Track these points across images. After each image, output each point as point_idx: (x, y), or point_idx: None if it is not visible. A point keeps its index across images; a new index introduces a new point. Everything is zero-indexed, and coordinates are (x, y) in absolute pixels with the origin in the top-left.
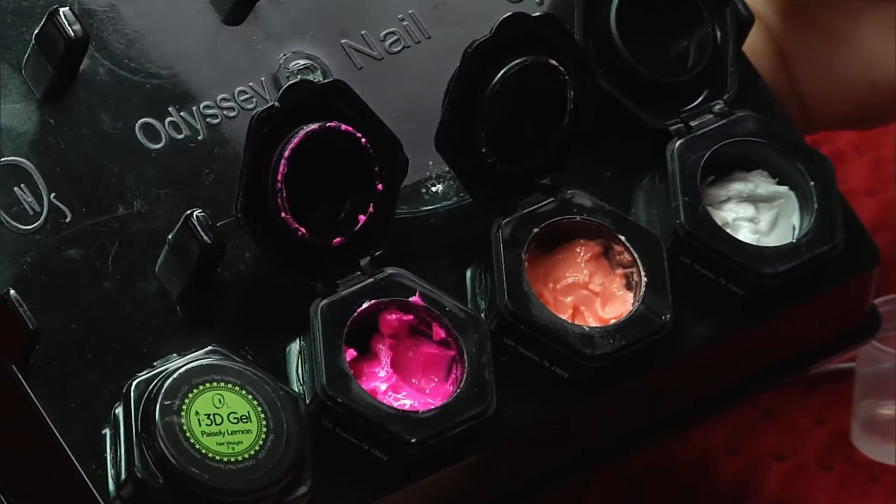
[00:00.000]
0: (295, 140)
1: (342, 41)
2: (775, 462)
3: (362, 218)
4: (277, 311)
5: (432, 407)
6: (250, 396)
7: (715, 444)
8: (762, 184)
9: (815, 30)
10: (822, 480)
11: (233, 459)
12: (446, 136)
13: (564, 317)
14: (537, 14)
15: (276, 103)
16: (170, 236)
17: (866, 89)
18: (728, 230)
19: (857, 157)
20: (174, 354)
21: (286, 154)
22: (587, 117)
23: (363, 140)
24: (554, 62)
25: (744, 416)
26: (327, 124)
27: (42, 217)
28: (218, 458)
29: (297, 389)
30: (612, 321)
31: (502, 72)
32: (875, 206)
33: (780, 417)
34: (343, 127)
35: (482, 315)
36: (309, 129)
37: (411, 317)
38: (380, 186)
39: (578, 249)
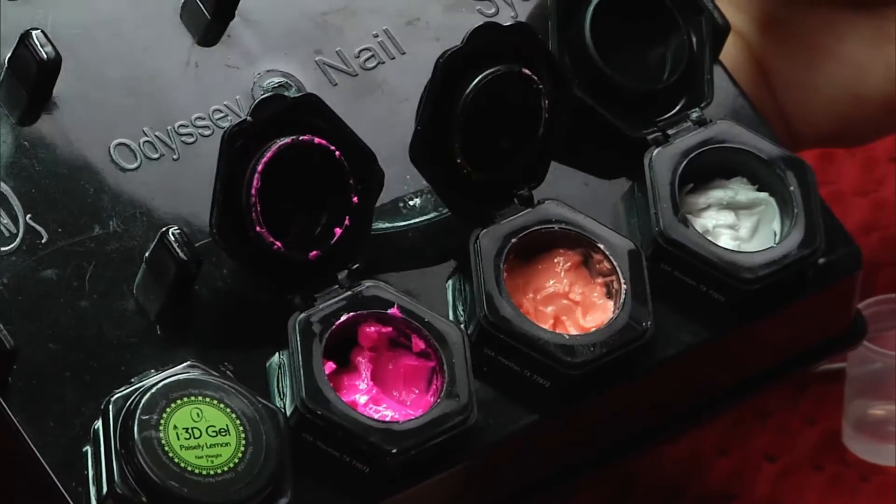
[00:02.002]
0: (268, 154)
1: (317, 58)
2: (766, 462)
3: (338, 231)
4: (256, 326)
5: (412, 418)
6: (228, 409)
7: (705, 445)
8: (742, 191)
9: (796, 45)
10: (813, 480)
11: (212, 472)
12: (421, 147)
13: (545, 326)
14: (508, 23)
15: (249, 117)
16: (146, 254)
17: (850, 104)
18: (709, 237)
19: (847, 158)
20: (152, 371)
21: (259, 168)
22: (562, 126)
23: (337, 153)
24: (527, 71)
25: (734, 416)
26: (300, 138)
27: (18, 238)
28: (197, 471)
29: (277, 403)
30: (593, 329)
31: (475, 82)
32: (866, 206)
33: (770, 418)
34: (316, 140)
35: (462, 326)
36: (282, 142)
37: (390, 329)
38: (355, 199)
39: (558, 259)
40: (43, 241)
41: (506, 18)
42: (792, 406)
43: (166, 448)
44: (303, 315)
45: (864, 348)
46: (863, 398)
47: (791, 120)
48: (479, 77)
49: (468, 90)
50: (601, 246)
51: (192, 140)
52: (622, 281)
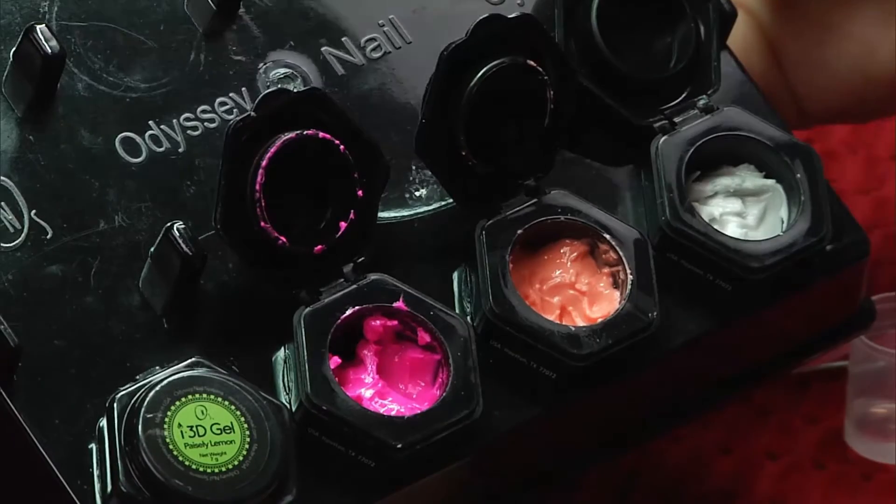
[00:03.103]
0: (272, 149)
1: (323, 49)
2: (768, 461)
3: (343, 225)
4: (262, 320)
5: (418, 411)
6: (233, 407)
7: (708, 443)
8: (749, 178)
9: (807, 23)
10: (816, 479)
11: (216, 470)
12: (426, 139)
13: (552, 317)
14: (513, 14)
15: (253, 112)
16: (151, 249)
17: (860, 82)
18: (715, 225)
19: (850, 156)
20: (157, 367)
21: (264, 163)
22: (568, 116)
23: (341, 147)
24: (532, 62)
25: (736, 415)
26: (304, 132)
27: (23, 234)
28: (202, 469)
29: (283, 398)
30: (599, 320)
31: (480, 73)
32: (869, 204)
33: (773, 416)
34: (321, 134)
35: (468, 318)
36: (286, 137)
37: (396, 322)
38: (360, 192)
39: (564, 249)
40: (48, 236)
41: (511, 7)
42: (794, 405)
43: (171, 446)
44: (308, 309)
45: (866, 346)
46: (865, 396)
47: (801, 98)
48: (485, 69)
49: (473, 82)
50: (607, 236)
51: (197, 133)
52: (628, 271)
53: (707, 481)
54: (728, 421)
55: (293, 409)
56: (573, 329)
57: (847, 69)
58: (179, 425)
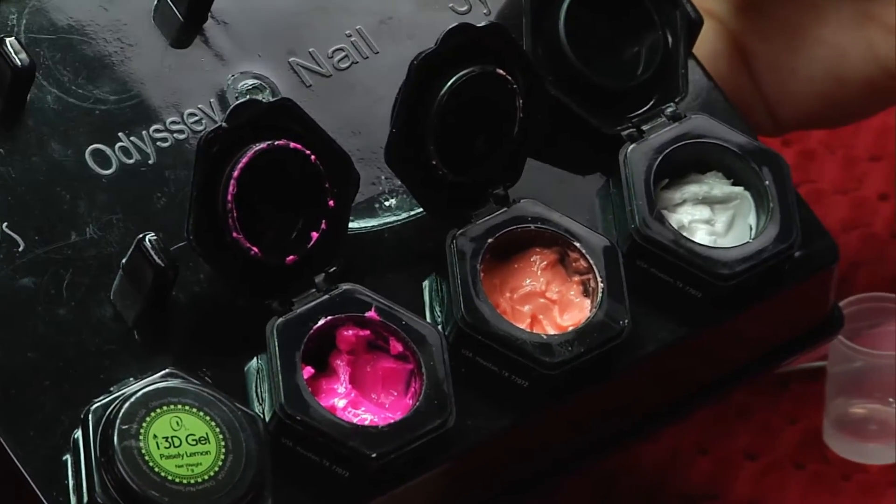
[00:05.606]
0: (243, 160)
1: (290, 59)
2: (747, 461)
3: (315, 235)
4: (234, 331)
5: (392, 421)
6: (208, 418)
7: (686, 444)
8: (717, 185)
9: (777, 29)
10: (795, 479)
11: (192, 481)
12: (395, 149)
13: (523, 326)
14: (482, 24)
15: (224, 123)
16: (123, 261)
17: (832, 86)
18: (684, 233)
19: (828, 156)
20: (131, 379)
21: (235, 174)
22: (537, 125)
23: (312, 157)
24: (501, 71)
25: (715, 415)
26: (276, 143)
27: None
28: (177, 480)
29: (256, 409)
30: (570, 328)
31: (449, 83)
32: (847, 204)
33: (751, 416)
34: (292, 145)
35: (440, 327)
36: (257, 147)
37: (368, 332)
38: (331, 203)
39: (534, 258)
40: (20, 249)
41: (478, 16)
42: (773, 404)
43: (146, 457)
44: (280, 319)
45: (844, 347)
46: (844, 396)
47: (773, 104)
48: (454, 78)
49: (442, 91)
50: (577, 244)
51: (166, 144)
52: (599, 279)
53: (686, 481)
54: (706, 421)
55: (267, 419)
56: (545, 337)
57: (819, 73)
58: (155, 436)
